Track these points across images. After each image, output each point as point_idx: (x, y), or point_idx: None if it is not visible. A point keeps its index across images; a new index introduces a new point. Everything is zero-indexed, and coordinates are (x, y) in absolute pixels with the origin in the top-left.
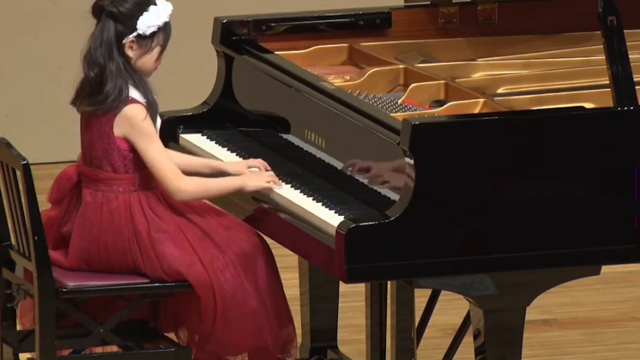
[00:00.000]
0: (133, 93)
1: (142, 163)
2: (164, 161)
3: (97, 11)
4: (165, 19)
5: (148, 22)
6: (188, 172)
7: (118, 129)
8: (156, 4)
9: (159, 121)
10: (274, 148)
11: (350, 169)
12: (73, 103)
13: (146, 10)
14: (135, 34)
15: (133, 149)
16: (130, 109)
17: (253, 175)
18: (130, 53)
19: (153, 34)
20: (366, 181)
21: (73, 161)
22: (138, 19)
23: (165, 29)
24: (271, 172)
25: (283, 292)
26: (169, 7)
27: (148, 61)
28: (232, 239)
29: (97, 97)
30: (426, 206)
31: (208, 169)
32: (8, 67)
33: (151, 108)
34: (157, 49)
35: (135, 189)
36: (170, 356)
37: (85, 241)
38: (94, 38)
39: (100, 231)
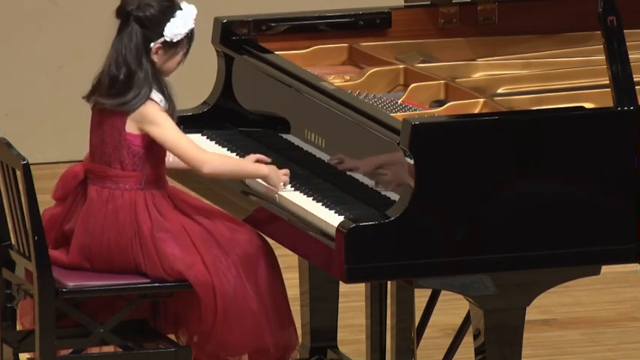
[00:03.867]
0: (155, 96)
1: (151, 162)
2: (183, 139)
3: (123, 14)
4: (191, 25)
5: (174, 29)
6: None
7: (132, 125)
8: (182, 9)
9: None
10: (274, 148)
11: (337, 162)
12: (88, 97)
13: (173, 17)
14: (161, 40)
15: (145, 146)
16: (145, 108)
17: (278, 172)
18: (155, 58)
19: (179, 40)
20: (366, 181)
21: (73, 161)
22: (165, 25)
23: (190, 34)
24: (287, 178)
25: (285, 295)
26: (194, 12)
27: (172, 64)
28: (235, 240)
29: (119, 97)
30: (426, 206)
31: None
32: (8, 67)
33: (171, 112)
34: (181, 53)
35: (142, 187)
36: (170, 356)
37: (87, 237)
38: (123, 42)
39: (103, 227)
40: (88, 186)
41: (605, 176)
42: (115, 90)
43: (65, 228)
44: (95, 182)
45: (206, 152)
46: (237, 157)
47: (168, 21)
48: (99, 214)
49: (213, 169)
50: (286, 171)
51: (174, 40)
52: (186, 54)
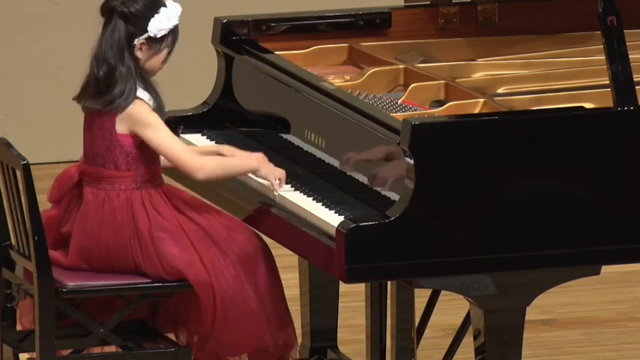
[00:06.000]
0: (142, 94)
1: (145, 161)
2: (176, 144)
3: (107, 11)
4: (175, 21)
5: (158, 24)
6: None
7: (122, 126)
8: (166, 6)
9: None
10: (274, 148)
11: (346, 165)
12: (77, 99)
13: (157, 12)
14: (145, 35)
15: (137, 145)
16: (133, 107)
17: (269, 164)
18: (139, 54)
19: (163, 36)
20: (366, 181)
21: (72, 161)
22: (149, 21)
23: (174, 32)
24: (283, 173)
25: (283, 295)
26: (179, 10)
27: (155, 62)
28: (233, 240)
29: (104, 96)
30: (426, 206)
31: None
32: (8, 67)
33: (159, 111)
34: (165, 51)
35: (137, 186)
36: (170, 356)
37: (85, 238)
38: (104, 38)
39: (101, 229)
40: (83, 188)
41: (605, 176)
42: (100, 89)
43: (62, 230)
44: (90, 184)
45: (199, 157)
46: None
47: (153, 16)
48: (96, 215)
49: (207, 174)
50: (281, 171)
51: (158, 36)
52: (170, 52)
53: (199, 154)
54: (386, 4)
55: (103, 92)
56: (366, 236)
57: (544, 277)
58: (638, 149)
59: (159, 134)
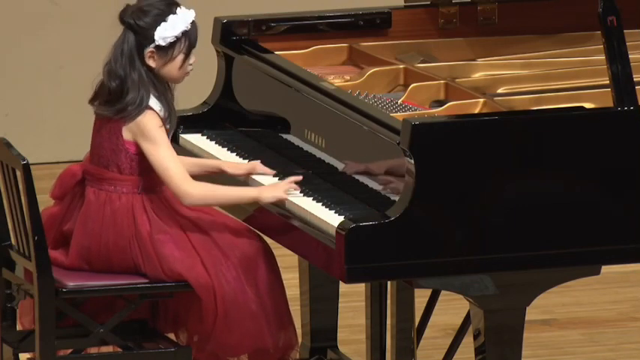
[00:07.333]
0: (154, 103)
1: (148, 168)
2: (171, 165)
3: (121, 21)
4: (183, 28)
5: (163, 33)
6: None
7: (128, 133)
8: (176, 14)
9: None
10: (274, 148)
11: (350, 170)
12: (91, 102)
13: (164, 21)
14: (153, 45)
15: (142, 152)
16: (142, 117)
17: (270, 186)
18: (151, 63)
19: (172, 43)
20: (366, 181)
21: (72, 161)
22: (155, 30)
23: (186, 37)
24: (290, 180)
25: (285, 296)
26: (190, 16)
27: (171, 69)
28: (235, 242)
29: (116, 105)
30: (426, 206)
31: (202, 168)
32: (8, 67)
33: (169, 121)
34: (179, 57)
35: (138, 191)
36: (170, 356)
37: (86, 238)
38: (114, 49)
39: (102, 229)
40: (85, 187)
41: (604, 176)
42: (111, 97)
43: (64, 228)
44: (93, 184)
45: (191, 183)
46: (239, 157)
47: (159, 25)
48: (97, 216)
49: (193, 202)
50: (291, 179)
51: (165, 44)
52: (185, 58)
53: (192, 180)
54: (386, 4)
55: (114, 101)
56: (366, 236)
57: (544, 277)
58: (638, 149)
59: (158, 151)
